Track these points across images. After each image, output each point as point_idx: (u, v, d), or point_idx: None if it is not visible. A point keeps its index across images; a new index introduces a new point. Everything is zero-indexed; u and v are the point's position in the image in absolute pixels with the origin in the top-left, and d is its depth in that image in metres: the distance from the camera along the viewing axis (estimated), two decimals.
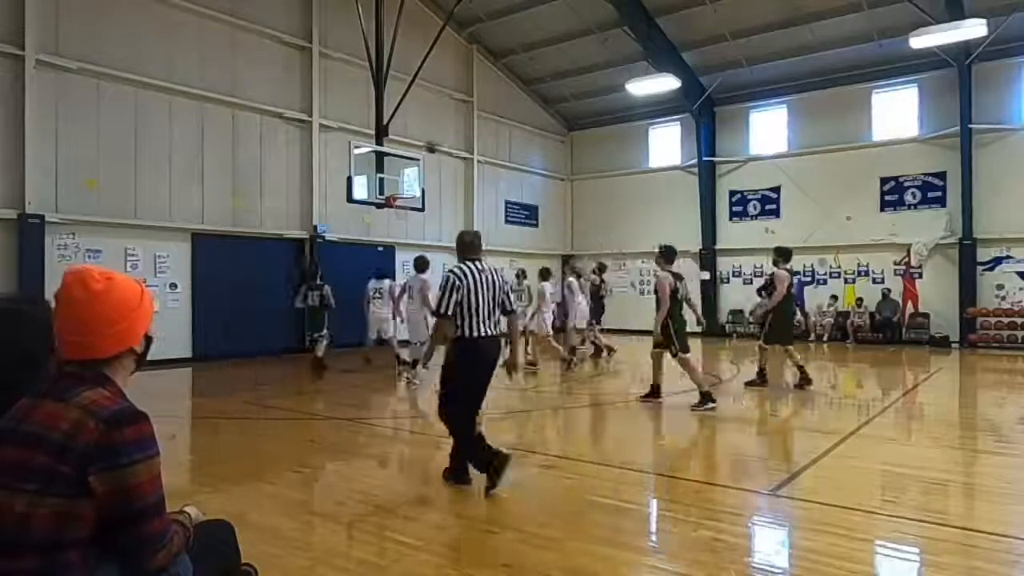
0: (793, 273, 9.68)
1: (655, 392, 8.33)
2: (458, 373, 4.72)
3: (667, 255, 8.21)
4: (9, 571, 1.59)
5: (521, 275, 13.66)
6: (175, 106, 12.96)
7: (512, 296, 4.97)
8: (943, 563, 3.46)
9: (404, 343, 11.34)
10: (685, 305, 8.30)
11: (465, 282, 4.59)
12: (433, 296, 8.56)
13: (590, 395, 9.64)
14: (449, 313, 4.60)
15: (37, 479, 1.60)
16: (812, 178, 18.30)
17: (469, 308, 4.59)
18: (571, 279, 12.71)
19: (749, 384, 9.58)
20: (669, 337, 7.97)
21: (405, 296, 10.67)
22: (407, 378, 9.96)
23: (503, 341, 4.94)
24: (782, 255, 9.75)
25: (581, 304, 12.45)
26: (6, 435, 1.68)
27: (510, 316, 4.97)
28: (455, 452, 4.83)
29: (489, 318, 4.69)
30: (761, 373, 9.59)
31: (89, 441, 1.63)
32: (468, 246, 4.88)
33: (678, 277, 8.19)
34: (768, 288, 9.84)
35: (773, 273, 9.64)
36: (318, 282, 11.94)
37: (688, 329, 8.24)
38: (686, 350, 8.02)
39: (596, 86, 20.25)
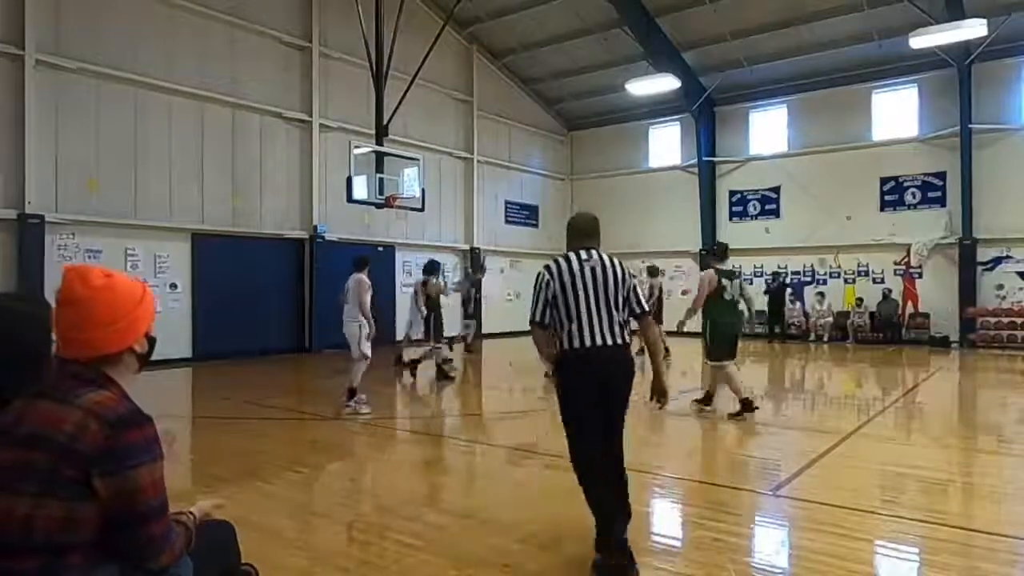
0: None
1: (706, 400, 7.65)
2: (562, 398, 3.54)
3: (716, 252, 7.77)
4: (11, 573, 1.58)
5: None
6: (175, 106, 12.95)
7: (642, 293, 3.66)
8: (943, 563, 3.47)
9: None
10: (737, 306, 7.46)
11: (559, 278, 3.46)
12: (368, 299, 7.92)
13: None
14: (538, 319, 3.50)
15: (39, 481, 1.59)
16: (812, 178, 18.30)
17: (568, 311, 3.44)
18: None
19: None
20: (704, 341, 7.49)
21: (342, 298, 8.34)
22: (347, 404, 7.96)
23: (631, 352, 3.63)
24: None
25: None
26: (6, 436, 1.67)
27: (640, 319, 3.66)
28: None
29: (600, 322, 3.44)
30: None
31: (93, 444, 1.62)
32: (575, 232, 3.71)
33: (727, 274, 7.47)
34: None
35: None
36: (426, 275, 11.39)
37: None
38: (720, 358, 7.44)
39: (596, 86, 20.24)
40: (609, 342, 3.44)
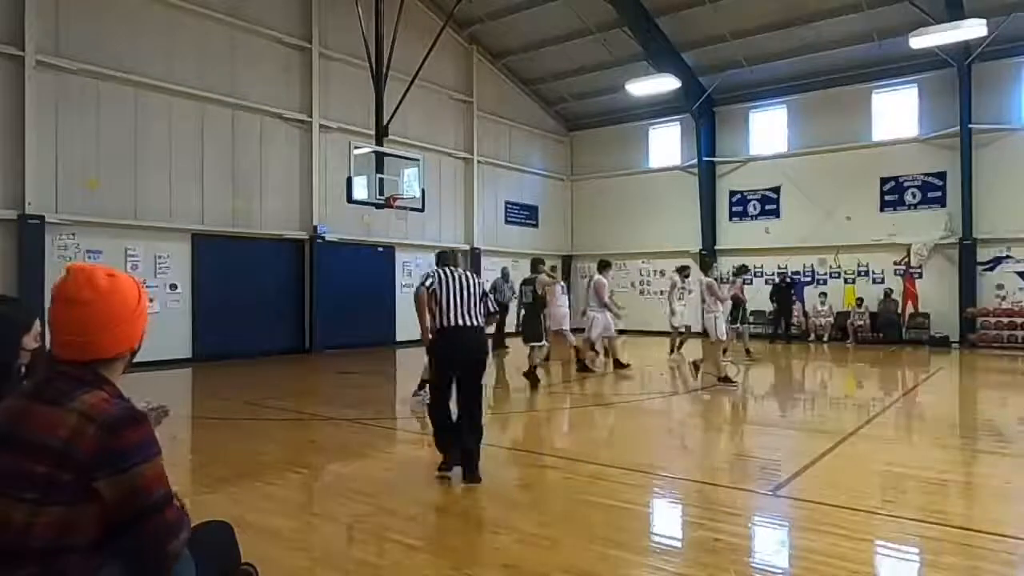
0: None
1: None
2: (434, 361, 5.26)
3: None
4: None
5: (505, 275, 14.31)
6: (175, 106, 12.95)
7: (492, 300, 5.38)
8: (943, 563, 3.46)
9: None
10: None
11: (438, 279, 5.10)
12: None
13: (590, 396, 9.63)
14: (427, 286, 5.09)
15: (37, 488, 1.58)
16: (812, 178, 18.29)
17: (441, 300, 5.03)
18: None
19: None
20: None
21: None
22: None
23: (485, 335, 5.25)
24: None
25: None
26: (1, 440, 1.65)
27: (488, 318, 5.29)
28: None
29: (464, 312, 5.03)
30: None
31: (89, 448, 1.60)
32: (445, 258, 5.57)
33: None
34: None
35: None
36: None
37: None
38: None
39: (596, 86, 20.23)
40: (469, 324, 5.05)
